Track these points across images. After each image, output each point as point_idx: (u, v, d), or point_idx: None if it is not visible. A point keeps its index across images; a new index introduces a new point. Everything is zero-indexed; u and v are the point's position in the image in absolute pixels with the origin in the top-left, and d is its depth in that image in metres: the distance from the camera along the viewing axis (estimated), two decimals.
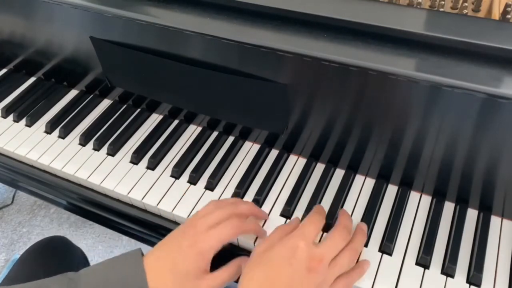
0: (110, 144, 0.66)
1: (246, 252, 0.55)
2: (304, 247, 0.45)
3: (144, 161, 0.64)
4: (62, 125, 0.70)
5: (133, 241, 1.32)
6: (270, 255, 0.46)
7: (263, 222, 0.56)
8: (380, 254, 0.52)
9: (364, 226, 0.53)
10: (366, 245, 0.53)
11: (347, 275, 0.48)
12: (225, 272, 0.48)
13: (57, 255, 0.74)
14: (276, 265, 0.45)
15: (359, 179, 0.61)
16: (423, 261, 0.51)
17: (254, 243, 0.54)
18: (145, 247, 0.52)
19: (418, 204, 0.57)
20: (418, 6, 0.52)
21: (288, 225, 0.50)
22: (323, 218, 0.51)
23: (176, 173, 0.62)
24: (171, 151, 0.66)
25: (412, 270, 0.51)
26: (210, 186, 0.60)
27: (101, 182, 0.62)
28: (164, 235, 0.50)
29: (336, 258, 0.47)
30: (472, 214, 0.56)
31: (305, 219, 0.50)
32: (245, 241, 0.54)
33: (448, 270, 0.50)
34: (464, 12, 0.52)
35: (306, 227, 0.48)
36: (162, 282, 0.45)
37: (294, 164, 0.63)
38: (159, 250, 0.48)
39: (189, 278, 0.45)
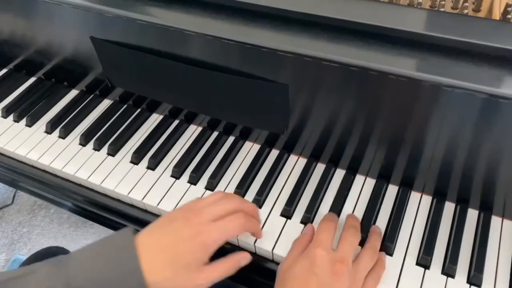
0: (110, 144, 0.66)
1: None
2: (323, 254, 0.46)
3: (145, 161, 0.64)
4: (63, 125, 0.70)
5: None
6: (293, 272, 0.46)
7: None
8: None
9: (377, 228, 0.54)
10: None
11: (373, 272, 0.49)
12: (223, 266, 0.46)
13: None
14: (302, 279, 0.45)
15: (359, 179, 0.61)
16: (424, 261, 0.51)
17: (255, 243, 0.53)
18: None
19: (419, 204, 0.57)
20: (419, 6, 0.52)
21: (303, 236, 0.51)
22: (335, 224, 0.51)
23: (177, 173, 0.62)
24: (171, 151, 0.66)
25: (413, 270, 0.51)
26: (211, 186, 0.60)
27: (101, 182, 0.62)
28: None
29: (358, 258, 0.48)
30: (472, 214, 0.56)
31: (317, 227, 0.51)
32: (244, 241, 0.54)
33: (448, 270, 0.50)
34: (465, 12, 0.52)
35: (320, 235, 0.49)
36: (158, 269, 0.42)
37: (295, 164, 0.63)
38: (157, 234, 0.45)
39: (189, 269, 0.44)
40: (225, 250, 0.53)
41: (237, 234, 0.48)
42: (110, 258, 0.42)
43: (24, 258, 1.15)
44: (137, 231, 0.55)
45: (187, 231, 0.45)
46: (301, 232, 0.54)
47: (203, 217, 0.46)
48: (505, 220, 0.55)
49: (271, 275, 0.52)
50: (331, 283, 0.44)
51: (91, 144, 0.67)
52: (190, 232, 0.45)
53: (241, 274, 0.54)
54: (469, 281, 0.50)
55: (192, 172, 0.62)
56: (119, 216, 0.63)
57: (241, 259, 0.49)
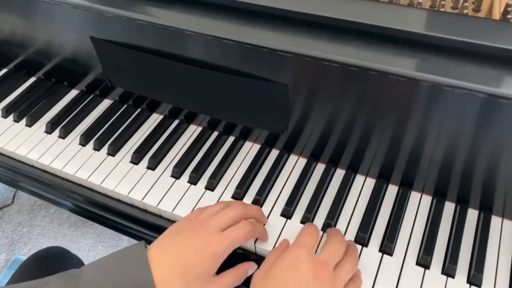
0: (110, 144, 0.66)
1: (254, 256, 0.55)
2: (306, 255, 0.45)
3: (145, 161, 0.64)
4: (63, 125, 0.70)
5: (133, 241, 1.32)
6: (274, 271, 0.45)
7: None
8: (381, 254, 0.52)
9: (352, 242, 0.53)
10: (366, 245, 0.53)
11: (352, 282, 0.47)
12: (232, 276, 0.47)
13: (55, 264, 0.74)
14: (283, 277, 0.44)
15: (359, 179, 0.61)
16: (424, 261, 0.51)
17: (255, 243, 0.53)
18: None
19: (419, 204, 0.57)
20: (419, 6, 0.52)
21: (278, 247, 0.50)
22: (317, 229, 0.50)
23: (177, 173, 0.62)
24: (171, 151, 0.66)
25: (413, 270, 0.51)
26: (211, 186, 0.60)
27: (101, 182, 0.62)
28: None
29: (340, 263, 0.46)
30: (472, 214, 0.56)
31: (300, 231, 0.50)
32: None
33: (448, 270, 0.50)
34: (465, 12, 0.52)
35: (303, 237, 0.48)
36: (169, 282, 0.43)
37: (295, 164, 0.63)
38: (167, 247, 0.46)
39: (200, 281, 0.44)
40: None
41: (246, 241, 0.48)
42: (123, 271, 0.43)
43: (24, 258, 1.15)
44: (142, 233, 0.55)
45: (197, 243, 0.45)
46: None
47: (211, 228, 0.46)
48: (505, 220, 0.55)
49: None
50: (311, 285, 0.43)
51: (91, 144, 0.67)
52: (199, 243, 0.45)
53: None
54: (469, 281, 0.50)
55: (192, 172, 0.62)
56: (119, 216, 0.63)
57: (248, 268, 0.50)
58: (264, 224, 0.55)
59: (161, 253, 0.45)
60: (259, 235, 0.52)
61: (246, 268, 0.50)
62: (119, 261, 0.44)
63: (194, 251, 0.44)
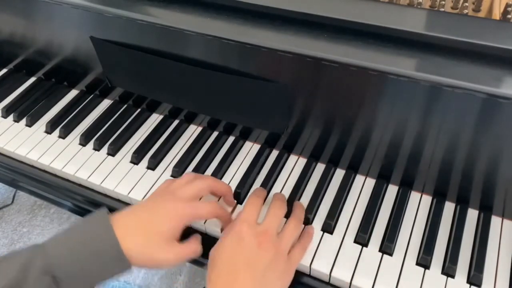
0: (110, 144, 0.66)
1: None
2: (247, 228, 0.47)
3: (145, 161, 0.64)
4: (63, 125, 0.70)
5: None
6: (221, 250, 0.47)
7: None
8: (381, 254, 0.52)
9: (300, 203, 0.56)
10: (366, 245, 0.53)
11: (299, 242, 0.51)
12: (193, 245, 0.50)
13: None
14: (230, 255, 0.46)
15: (359, 179, 0.61)
16: (424, 261, 0.51)
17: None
18: None
19: (419, 204, 0.57)
20: (418, 6, 0.52)
21: (230, 224, 0.51)
22: (261, 199, 0.53)
23: (177, 173, 0.62)
24: (171, 151, 0.66)
25: (413, 270, 0.51)
26: None
27: (101, 182, 0.62)
28: None
29: (283, 228, 0.50)
30: (472, 214, 0.56)
31: (244, 204, 0.52)
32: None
33: (448, 270, 0.50)
34: (465, 12, 0.52)
35: (244, 212, 0.50)
36: (131, 236, 0.45)
37: (295, 164, 0.63)
38: (131, 210, 0.48)
39: (161, 239, 0.46)
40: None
41: (208, 216, 0.51)
42: (85, 231, 0.45)
43: None
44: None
45: (161, 206, 0.48)
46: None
47: (177, 196, 0.49)
48: (505, 220, 0.55)
49: None
50: (257, 255, 0.46)
51: (91, 144, 0.67)
52: (164, 206, 0.48)
53: None
54: (469, 281, 0.50)
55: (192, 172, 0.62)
56: None
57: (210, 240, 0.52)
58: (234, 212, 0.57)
59: (128, 217, 0.47)
60: (221, 217, 0.53)
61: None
62: (82, 225, 0.46)
63: (158, 213, 0.48)
